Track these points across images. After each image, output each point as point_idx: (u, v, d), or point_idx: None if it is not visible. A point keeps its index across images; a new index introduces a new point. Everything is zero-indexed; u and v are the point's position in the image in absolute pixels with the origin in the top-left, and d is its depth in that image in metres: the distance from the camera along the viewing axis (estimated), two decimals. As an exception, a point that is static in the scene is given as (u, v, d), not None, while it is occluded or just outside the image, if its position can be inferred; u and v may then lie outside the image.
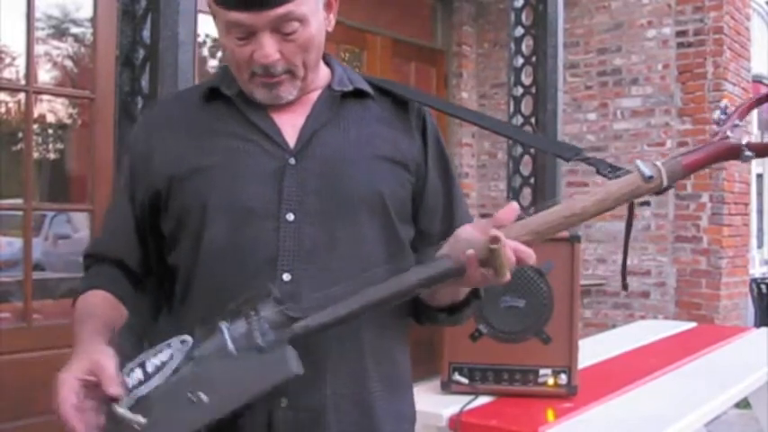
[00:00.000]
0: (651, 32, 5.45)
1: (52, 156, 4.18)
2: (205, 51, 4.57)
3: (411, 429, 1.25)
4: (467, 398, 1.95)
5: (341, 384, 1.11)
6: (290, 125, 1.17)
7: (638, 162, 1.03)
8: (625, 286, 1.29)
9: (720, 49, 5.16)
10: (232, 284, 1.10)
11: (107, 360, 1.00)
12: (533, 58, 3.18)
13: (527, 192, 3.22)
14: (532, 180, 3.17)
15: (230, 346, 0.99)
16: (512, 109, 3.25)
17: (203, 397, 0.97)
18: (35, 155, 3.55)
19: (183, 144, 1.17)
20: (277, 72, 1.12)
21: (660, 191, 1.04)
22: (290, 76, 1.14)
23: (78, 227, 4.47)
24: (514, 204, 1.01)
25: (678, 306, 5.29)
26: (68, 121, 4.08)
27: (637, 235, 5.27)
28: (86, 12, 3.63)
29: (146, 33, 2.03)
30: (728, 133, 1.06)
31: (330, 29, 1.18)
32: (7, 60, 3.62)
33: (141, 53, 2.05)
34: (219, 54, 4.64)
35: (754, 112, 7.41)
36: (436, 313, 1.19)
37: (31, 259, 3.33)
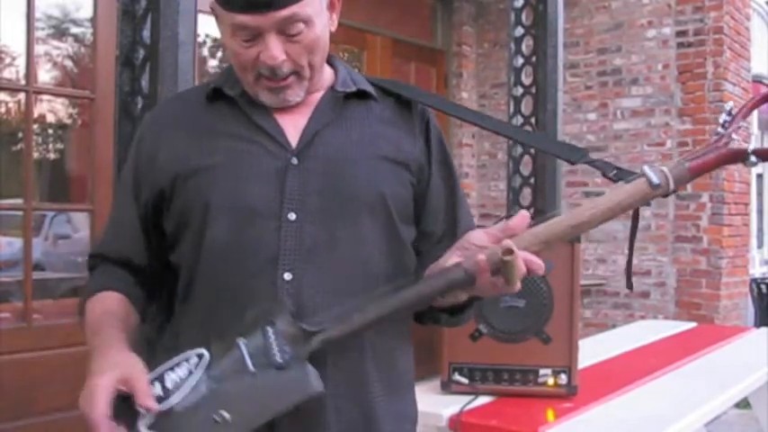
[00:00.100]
0: (651, 32, 5.45)
1: (52, 156, 4.18)
2: (205, 51, 4.57)
3: (412, 430, 1.25)
4: (467, 398, 1.95)
5: (341, 384, 1.12)
6: (293, 125, 1.17)
7: (646, 169, 1.03)
8: (630, 286, 1.29)
9: (720, 49, 5.17)
10: (233, 283, 1.10)
11: (141, 373, 0.99)
12: (533, 58, 3.18)
13: (527, 192, 3.22)
14: (532, 180, 3.17)
15: (249, 363, 0.98)
16: (512, 109, 3.25)
17: (227, 416, 0.96)
18: (35, 155, 3.55)
19: (187, 144, 1.17)
20: (283, 73, 1.12)
21: (666, 195, 1.05)
22: (297, 78, 1.14)
23: (78, 227, 4.47)
24: (525, 213, 1.02)
25: (678, 306, 5.29)
26: (68, 121, 4.08)
27: (637, 235, 5.27)
28: (86, 12, 3.63)
29: (146, 33, 2.02)
30: (733, 136, 1.06)
31: (333, 29, 1.19)
32: (7, 60, 3.62)
33: (141, 53, 2.04)
34: (219, 54, 4.64)
35: (755, 113, 7.41)
36: (438, 314, 1.19)
37: (31, 259, 3.33)
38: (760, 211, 10.19)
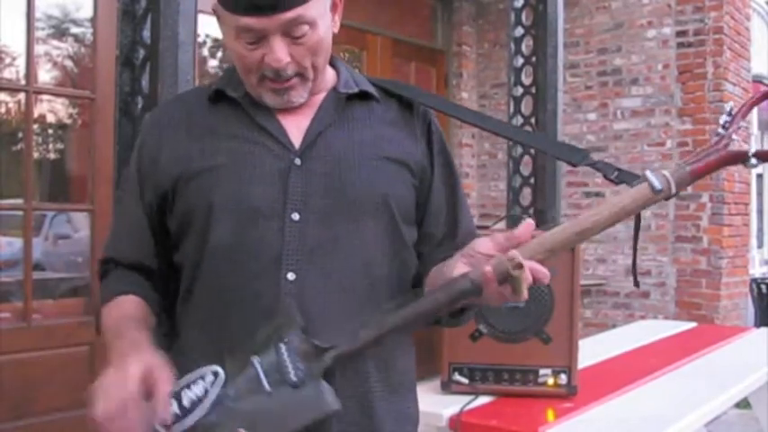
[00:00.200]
0: (651, 32, 5.45)
1: (52, 156, 4.18)
2: (205, 51, 4.57)
3: (414, 431, 1.26)
4: (467, 398, 1.95)
5: (342, 384, 1.11)
6: (296, 126, 1.17)
7: (648, 174, 1.04)
8: (637, 284, 1.30)
9: (720, 49, 5.16)
10: (236, 284, 1.11)
11: (166, 377, 0.98)
12: (533, 58, 3.18)
13: (527, 192, 3.22)
14: (532, 180, 3.17)
15: (265, 383, 0.98)
16: (512, 109, 3.25)
17: None
18: (35, 155, 3.55)
19: (189, 145, 1.17)
20: (287, 75, 1.12)
21: (668, 198, 1.05)
22: (301, 80, 1.15)
23: (78, 227, 4.46)
24: (530, 222, 1.02)
25: (678, 306, 5.29)
26: (68, 121, 4.08)
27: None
28: (86, 12, 3.63)
29: (146, 33, 2.03)
30: (734, 137, 1.07)
31: (336, 30, 1.19)
32: (7, 60, 3.62)
33: (141, 53, 2.05)
34: (219, 54, 4.64)
35: (755, 113, 7.41)
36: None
37: (31, 259, 3.34)
38: (760, 211, 10.19)
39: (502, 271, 0.97)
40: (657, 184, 1.03)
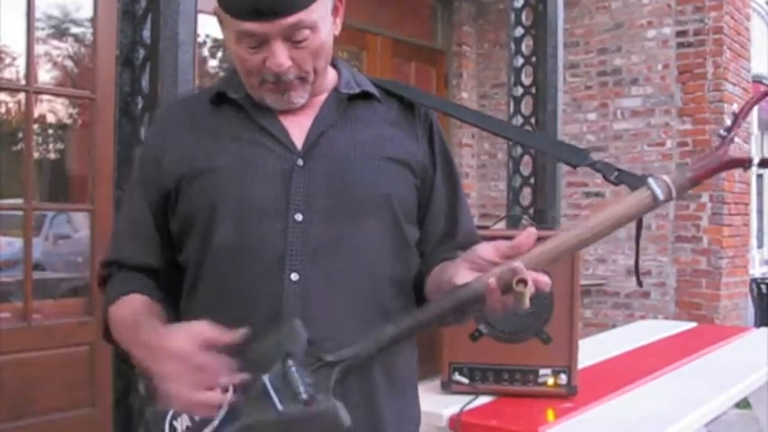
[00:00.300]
0: (651, 32, 5.45)
1: (52, 156, 4.17)
2: (205, 51, 4.56)
3: (415, 431, 1.26)
4: (467, 398, 1.95)
5: (348, 391, 1.11)
6: (298, 127, 1.18)
7: (651, 181, 1.04)
8: (640, 283, 1.31)
9: (720, 49, 5.17)
10: (239, 284, 1.11)
11: (214, 332, 1.00)
12: (533, 58, 3.18)
13: (527, 192, 3.21)
14: (532, 180, 3.17)
15: (276, 401, 0.98)
16: (512, 109, 3.24)
17: None
18: (35, 155, 3.55)
19: (192, 146, 1.18)
20: (288, 79, 1.13)
21: (668, 201, 1.06)
22: (301, 82, 1.15)
23: (78, 227, 4.46)
24: (532, 230, 1.02)
25: (678, 306, 5.29)
26: (68, 121, 4.07)
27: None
28: (86, 12, 3.63)
29: (146, 33, 2.02)
30: (736, 140, 1.07)
31: (337, 33, 1.19)
32: (7, 60, 3.62)
33: (141, 53, 2.04)
34: (220, 54, 4.64)
35: (755, 113, 7.41)
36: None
37: (31, 259, 3.34)
38: (760, 211, 10.18)
39: (506, 283, 0.98)
40: (659, 191, 1.04)
